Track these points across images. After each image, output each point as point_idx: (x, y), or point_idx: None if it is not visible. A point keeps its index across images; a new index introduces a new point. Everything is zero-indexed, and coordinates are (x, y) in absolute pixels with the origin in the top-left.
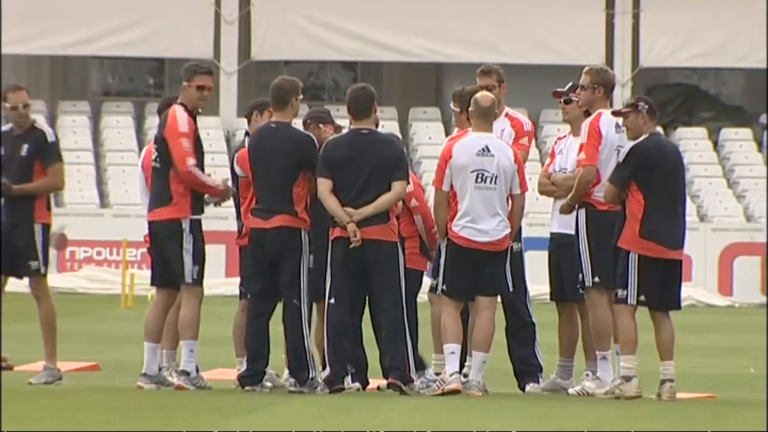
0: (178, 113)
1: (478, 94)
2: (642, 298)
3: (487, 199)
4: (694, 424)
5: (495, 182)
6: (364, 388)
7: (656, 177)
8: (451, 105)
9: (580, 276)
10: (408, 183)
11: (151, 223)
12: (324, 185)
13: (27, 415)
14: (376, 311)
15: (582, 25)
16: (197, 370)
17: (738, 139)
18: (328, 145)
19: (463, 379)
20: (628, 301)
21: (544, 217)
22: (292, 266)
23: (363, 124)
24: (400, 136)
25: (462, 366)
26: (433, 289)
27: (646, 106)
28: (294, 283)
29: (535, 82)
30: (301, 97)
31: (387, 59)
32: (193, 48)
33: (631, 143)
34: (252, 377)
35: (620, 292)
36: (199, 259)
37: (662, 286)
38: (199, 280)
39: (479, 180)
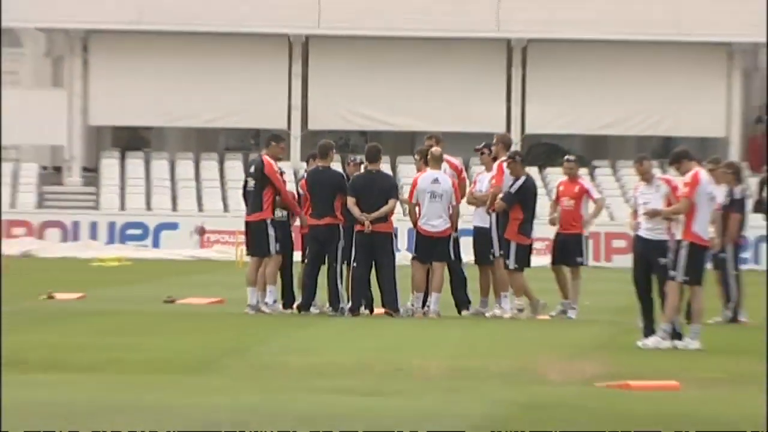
0: (270, 160)
1: (433, 149)
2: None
3: (437, 207)
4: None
5: (441, 198)
6: (371, 313)
7: (531, 202)
8: (415, 156)
9: (492, 249)
10: (397, 200)
11: (249, 222)
12: (351, 201)
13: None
14: (379, 269)
15: (488, 112)
16: (274, 302)
17: None
18: (354, 179)
19: (426, 309)
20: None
21: (470, 217)
22: (335, 246)
23: (373, 166)
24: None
25: (424, 302)
26: (413, 258)
27: (520, 158)
28: (334, 254)
29: (466, 142)
30: (335, 151)
31: (385, 129)
32: (273, 121)
33: (519, 182)
34: (305, 306)
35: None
36: (279, 240)
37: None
38: (277, 251)
39: (432, 197)
